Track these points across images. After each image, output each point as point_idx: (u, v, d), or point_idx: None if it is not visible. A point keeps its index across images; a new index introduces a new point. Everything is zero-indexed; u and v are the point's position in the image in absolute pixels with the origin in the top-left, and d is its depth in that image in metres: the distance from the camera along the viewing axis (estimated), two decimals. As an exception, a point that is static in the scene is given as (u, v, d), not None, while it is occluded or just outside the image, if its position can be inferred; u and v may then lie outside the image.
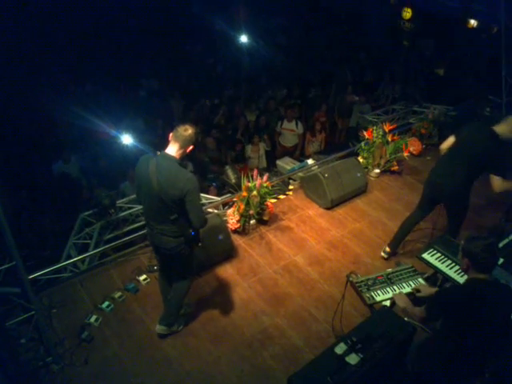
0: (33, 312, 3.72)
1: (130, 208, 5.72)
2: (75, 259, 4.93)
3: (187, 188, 3.38)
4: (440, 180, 4.59)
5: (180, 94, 10.19)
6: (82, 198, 6.93)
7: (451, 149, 4.56)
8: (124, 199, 5.89)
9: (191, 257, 3.92)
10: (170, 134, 3.47)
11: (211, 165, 7.91)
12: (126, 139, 7.68)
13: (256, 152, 8.36)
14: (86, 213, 5.64)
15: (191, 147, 3.51)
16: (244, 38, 12.07)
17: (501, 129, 4.23)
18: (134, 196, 5.93)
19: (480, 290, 2.97)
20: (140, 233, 5.26)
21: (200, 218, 3.56)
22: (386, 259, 5.24)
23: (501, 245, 4.53)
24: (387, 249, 5.24)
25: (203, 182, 7.40)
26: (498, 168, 4.23)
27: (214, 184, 7.27)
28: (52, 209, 6.87)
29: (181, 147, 3.42)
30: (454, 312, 3.03)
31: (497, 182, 4.23)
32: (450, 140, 4.64)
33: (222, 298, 4.72)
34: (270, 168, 8.04)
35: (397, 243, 5.19)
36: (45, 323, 4.02)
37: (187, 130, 3.41)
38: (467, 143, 4.40)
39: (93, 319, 4.38)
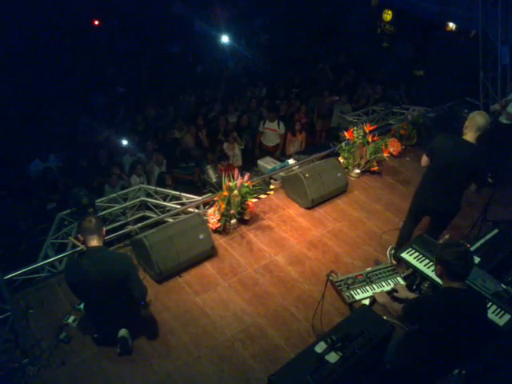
0: (8, 313, 3.65)
1: (109, 207, 5.66)
2: (52, 259, 4.85)
3: (127, 268, 3.84)
4: (434, 205, 4.63)
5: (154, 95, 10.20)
6: (60, 197, 6.82)
7: (433, 170, 4.54)
8: (103, 198, 5.83)
9: None
10: (79, 236, 3.89)
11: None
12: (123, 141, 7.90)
13: (231, 150, 8.37)
14: (64, 212, 5.56)
15: (104, 230, 3.92)
16: (225, 38, 12.06)
17: (469, 136, 4.32)
18: (113, 195, 5.90)
19: (453, 301, 3.01)
20: (119, 232, 5.22)
21: (143, 291, 3.93)
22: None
23: (478, 244, 4.62)
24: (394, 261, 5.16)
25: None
26: (482, 178, 4.51)
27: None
28: (29, 208, 6.74)
29: (99, 235, 3.81)
30: (429, 322, 3.08)
31: (472, 189, 4.57)
32: (425, 158, 4.62)
33: (202, 298, 4.69)
34: (251, 167, 8.03)
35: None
36: (21, 324, 3.95)
37: (91, 221, 3.78)
38: (455, 163, 4.30)
39: (71, 320, 4.31)
